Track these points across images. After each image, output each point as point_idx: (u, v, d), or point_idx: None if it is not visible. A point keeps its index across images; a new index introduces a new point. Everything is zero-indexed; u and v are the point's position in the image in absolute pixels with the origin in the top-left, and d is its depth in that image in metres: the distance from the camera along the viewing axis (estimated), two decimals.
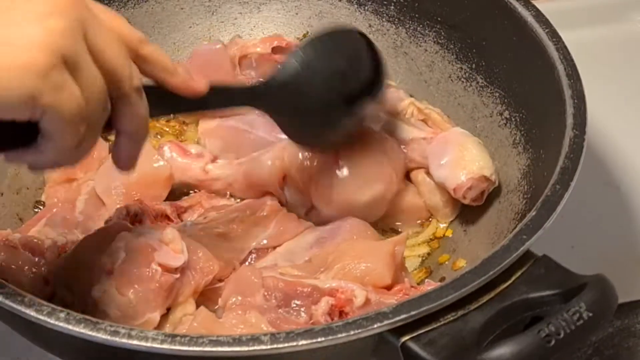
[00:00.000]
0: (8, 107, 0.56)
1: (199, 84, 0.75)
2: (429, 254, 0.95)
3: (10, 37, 0.56)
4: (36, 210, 0.96)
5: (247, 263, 0.89)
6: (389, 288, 0.83)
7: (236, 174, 0.97)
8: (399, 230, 0.96)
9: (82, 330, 0.67)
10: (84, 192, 0.95)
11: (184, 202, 0.95)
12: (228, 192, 0.98)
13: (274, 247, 0.91)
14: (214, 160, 0.99)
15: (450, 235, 0.96)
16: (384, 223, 0.96)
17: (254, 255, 0.90)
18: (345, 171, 0.93)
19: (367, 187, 0.93)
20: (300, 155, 0.93)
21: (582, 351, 0.88)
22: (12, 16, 0.56)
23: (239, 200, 0.97)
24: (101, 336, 0.66)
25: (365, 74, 0.89)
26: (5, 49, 0.55)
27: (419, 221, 0.97)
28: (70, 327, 0.67)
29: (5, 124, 0.58)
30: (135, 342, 0.66)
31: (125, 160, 0.71)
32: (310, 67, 0.86)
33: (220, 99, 0.81)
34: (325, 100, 0.87)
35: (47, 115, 0.57)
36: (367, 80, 0.89)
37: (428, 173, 0.96)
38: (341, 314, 0.79)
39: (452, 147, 0.94)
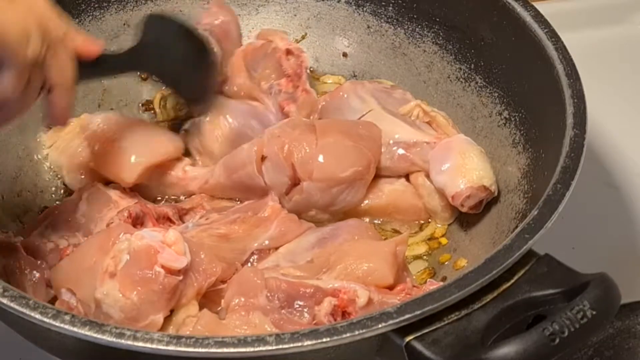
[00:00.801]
0: None
1: (96, 46, 0.82)
2: (428, 253, 0.95)
3: None
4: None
5: (248, 264, 0.90)
6: (391, 288, 0.83)
7: (213, 170, 0.97)
8: (400, 230, 0.97)
9: (88, 333, 0.67)
10: (84, 195, 0.95)
11: (186, 203, 0.95)
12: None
13: (276, 248, 0.91)
14: (193, 164, 1.00)
15: (446, 243, 0.96)
16: (383, 223, 0.97)
17: (255, 257, 0.90)
18: (325, 148, 0.94)
19: (347, 164, 0.94)
20: (279, 132, 0.95)
21: (582, 352, 0.88)
22: None
23: (239, 201, 0.97)
24: (107, 338, 0.66)
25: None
26: None
27: (417, 222, 0.98)
28: (75, 329, 0.67)
29: None
30: (140, 343, 0.66)
31: (60, 111, 0.78)
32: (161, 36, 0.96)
33: (113, 64, 0.91)
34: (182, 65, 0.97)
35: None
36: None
37: (428, 176, 0.97)
38: (344, 314, 0.79)
39: (454, 154, 0.94)
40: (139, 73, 1.08)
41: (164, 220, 0.91)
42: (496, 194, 0.93)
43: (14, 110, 0.75)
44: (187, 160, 1.00)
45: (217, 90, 1.03)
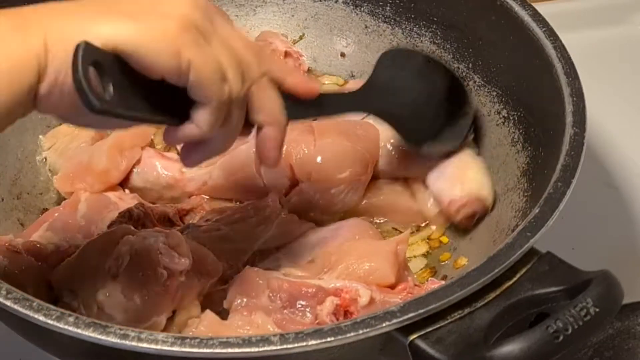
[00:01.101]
0: (160, 60, 0.64)
1: (315, 84, 0.79)
2: (429, 252, 0.95)
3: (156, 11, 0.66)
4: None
5: (250, 265, 0.90)
6: (392, 287, 0.84)
7: (211, 171, 0.97)
8: (400, 229, 0.97)
9: (92, 334, 0.66)
10: (84, 197, 0.95)
11: (186, 204, 0.95)
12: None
13: (277, 248, 0.91)
14: None
15: (447, 242, 0.96)
16: (384, 223, 0.97)
17: (256, 257, 0.90)
18: (323, 150, 0.94)
19: (345, 165, 0.94)
20: None
21: (582, 352, 0.88)
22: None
23: (238, 202, 0.97)
24: (111, 339, 0.66)
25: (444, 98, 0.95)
26: (152, 17, 0.65)
27: (414, 224, 0.98)
28: (79, 331, 0.67)
29: (165, 102, 0.67)
30: (145, 344, 0.66)
31: (270, 151, 0.75)
32: (399, 73, 0.92)
33: (333, 104, 0.85)
34: (416, 105, 0.92)
35: (193, 68, 0.65)
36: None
37: (424, 182, 0.97)
38: (346, 313, 0.80)
39: (455, 162, 0.95)
40: None
41: (165, 221, 0.91)
42: (489, 210, 0.93)
43: (214, 147, 0.72)
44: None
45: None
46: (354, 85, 1.04)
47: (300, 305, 0.80)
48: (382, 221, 0.97)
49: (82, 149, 0.99)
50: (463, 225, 0.94)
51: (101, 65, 0.62)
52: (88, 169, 0.96)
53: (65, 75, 0.63)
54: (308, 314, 0.80)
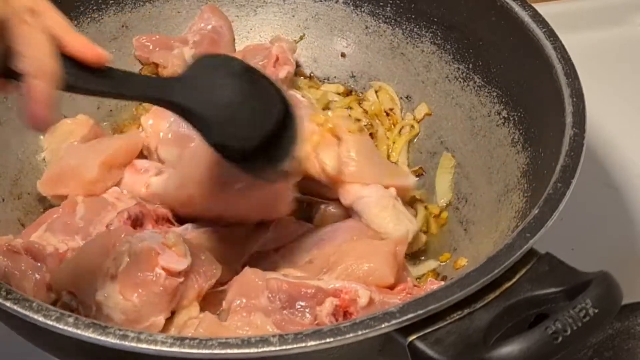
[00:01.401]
0: None
1: (102, 51, 0.69)
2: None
3: None
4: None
5: (248, 266, 0.89)
6: (391, 287, 0.84)
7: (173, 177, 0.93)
8: None
9: (91, 335, 0.67)
10: (81, 198, 0.94)
11: None
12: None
13: (275, 250, 0.91)
14: (158, 173, 0.96)
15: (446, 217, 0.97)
16: None
17: (255, 258, 0.90)
18: None
19: None
20: None
21: (582, 352, 0.88)
22: None
23: None
24: (110, 340, 0.66)
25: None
26: None
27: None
28: (79, 331, 0.67)
29: None
30: (144, 345, 0.66)
31: (40, 109, 0.63)
32: (213, 73, 0.79)
33: (127, 84, 0.74)
34: (231, 110, 0.78)
35: None
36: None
37: None
38: (345, 314, 0.80)
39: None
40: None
41: (163, 221, 0.91)
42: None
43: None
44: (150, 171, 0.96)
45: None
46: None
47: (299, 306, 0.80)
48: None
49: (72, 147, 0.98)
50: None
51: None
52: (74, 175, 0.95)
53: None
54: (307, 315, 0.80)
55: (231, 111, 0.78)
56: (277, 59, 1.05)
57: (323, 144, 0.92)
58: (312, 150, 0.91)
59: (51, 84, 0.64)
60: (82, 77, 0.69)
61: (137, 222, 0.89)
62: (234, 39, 1.12)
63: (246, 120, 0.79)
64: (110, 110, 1.07)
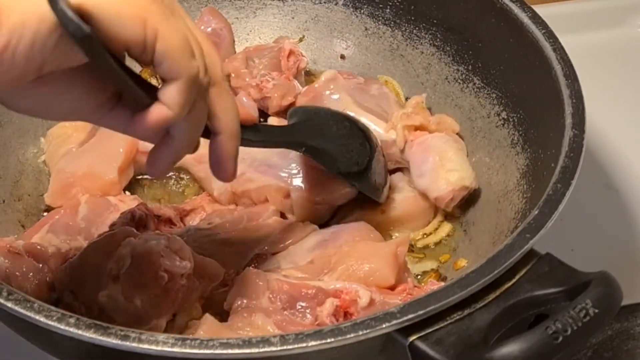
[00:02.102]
0: (124, 26, 0.59)
1: (253, 114, 0.78)
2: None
3: None
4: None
5: (250, 267, 0.90)
6: (392, 288, 0.84)
7: None
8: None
9: (93, 335, 0.67)
10: (84, 199, 0.95)
11: (187, 205, 0.95)
12: None
13: (276, 252, 0.91)
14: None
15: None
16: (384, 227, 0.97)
17: (257, 259, 0.91)
18: None
19: None
20: None
21: (581, 353, 0.88)
22: None
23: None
24: (112, 340, 0.66)
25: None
26: None
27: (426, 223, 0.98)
28: (80, 332, 0.67)
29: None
30: (145, 345, 0.66)
31: (226, 161, 0.70)
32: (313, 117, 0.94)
33: (267, 134, 0.86)
34: (338, 140, 0.93)
35: (160, 38, 0.61)
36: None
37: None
38: (346, 314, 0.80)
39: (432, 154, 0.96)
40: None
41: (166, 222, 0.91)
42: (477, 187, 0.95)
43: (180, 144, 0.67)
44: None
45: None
46: (325, 83, 1.05)
47: (300, 307, 0.80)
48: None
49: (72, 155, 0.98)
50: (453, 212, 0.96)
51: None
52: (89, 176, 0.96)
53: (20, 37, 0.57)
54: (308, 315, 0.80)
55: (345, 144, 0.93)
56: (290, 52, 1.06)
57: None
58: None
59: (237, 144, 0.71)
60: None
61: (140, 223, 0.89)
62: (234, 41, 1.12)
63: (355, 149, 0.93)
64: None
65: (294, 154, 0.95)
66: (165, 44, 0.61)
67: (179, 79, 0.62)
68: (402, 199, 0.97)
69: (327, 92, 1.04)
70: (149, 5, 0.60)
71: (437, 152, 0.96)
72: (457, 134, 1.00)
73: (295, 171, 0.95)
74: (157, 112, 0.63)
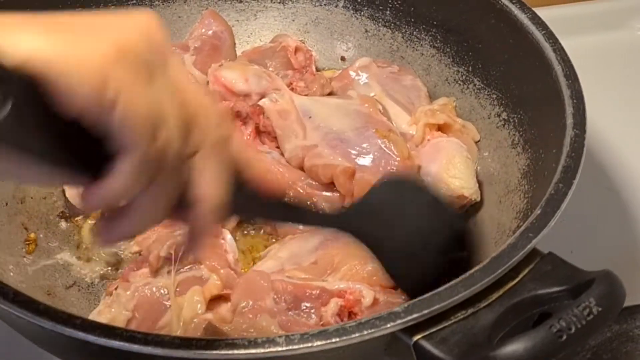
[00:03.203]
0: (77, 85, 0.50)
1: (284, 183, 0.69)
2: None
3: (95, 29, 0.53)
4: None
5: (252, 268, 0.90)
6: (395, 288, 0.84)
7: None
8: None
9: (98, 337, 0.67)
10: None
11: None
12: None
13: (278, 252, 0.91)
14: None
15: None
16: None
17: (258, 260, 0.91)
18: None
19: None
20: None
21: (581, 355, 0.88)
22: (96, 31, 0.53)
23: None
24: (117, 342, 0.66)
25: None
26: (85, 35, 0.52)
27: None
28: (85, 334, 0.67)
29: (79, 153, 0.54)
30: (151, 347, 0.66)
31: (202, 235, 0.62)
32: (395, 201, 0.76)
33: (300, 213, 0.73)
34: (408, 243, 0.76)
35: (120, 103, 0.51)
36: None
37: None
38: (350, 314, 0.80)
39: (440, 157, 0.96)
40: None
41: None
42: (478, 199, 0.94)
43: (135, 220, 0.57)
44: None
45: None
46: (357, 69, 1.05)
47: (304, 307, 0.80)
48: None
49: None
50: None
51: (2, 78, 0.48)
52: None
53: None
54: (312, 316, 0.80)
55: (411, 250, 0.76)
56: (297, 49, 1.06)
57: None
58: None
59: (212, 215, 0.59)
60: (252, 204, 0.66)
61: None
62: (234, 44, 1.13)
63: (430, 259, 0.77)
64: None
65: (370, 132, 0.92)
66: (124, 111, 0.52)
67: (133, 151, 0.53)
68: None
69: (357, 78, 1.04)
70: (114, 63, 0.51)
71: (446, 155, 0.96)
72: (476, 143, 1.00)
73: (365, 150, 0.92)
74: (105, 185, 0.54)
